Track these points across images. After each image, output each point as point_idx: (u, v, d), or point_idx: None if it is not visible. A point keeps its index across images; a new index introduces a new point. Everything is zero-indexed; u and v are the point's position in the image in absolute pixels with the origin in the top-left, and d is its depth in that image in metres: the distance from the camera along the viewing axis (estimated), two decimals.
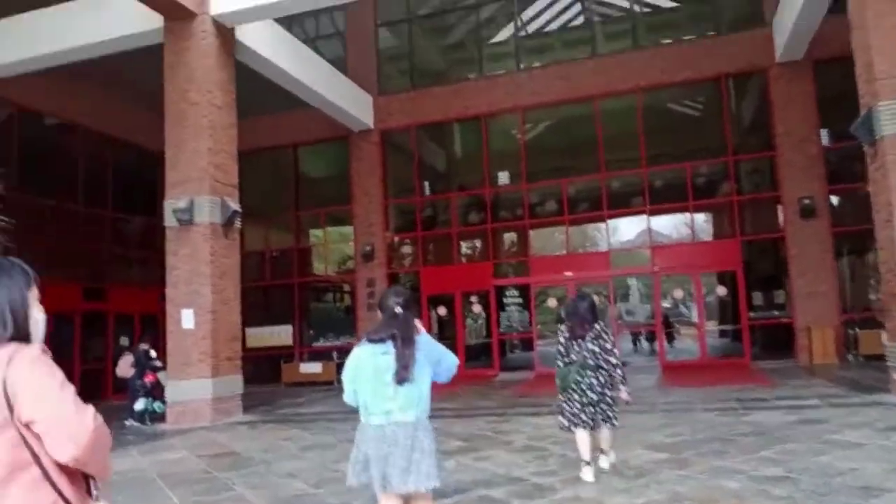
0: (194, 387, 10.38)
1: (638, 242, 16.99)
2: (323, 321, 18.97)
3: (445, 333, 16.83)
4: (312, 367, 16.41)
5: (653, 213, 15.45)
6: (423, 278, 16.88)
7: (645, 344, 18.91)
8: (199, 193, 10.73)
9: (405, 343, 3.13)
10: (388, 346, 3.15)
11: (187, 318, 10.66)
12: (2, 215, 7.75)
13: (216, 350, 10.66)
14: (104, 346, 16.17)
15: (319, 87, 14.23)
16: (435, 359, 3.22)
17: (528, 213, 16.31)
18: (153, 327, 15.20)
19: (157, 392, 10.77)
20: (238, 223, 11.37)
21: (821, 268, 13.88)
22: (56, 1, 11.80)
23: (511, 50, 17.15)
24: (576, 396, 5.20)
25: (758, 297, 15.14)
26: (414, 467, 3.05)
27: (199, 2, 10.79)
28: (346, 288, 18.75)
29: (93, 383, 14.89)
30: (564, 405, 5.29)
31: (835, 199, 14.65)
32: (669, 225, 19.04)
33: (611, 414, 5.23)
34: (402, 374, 3.09)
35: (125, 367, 11.01)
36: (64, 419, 1.43)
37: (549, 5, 17.54)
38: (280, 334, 17.41)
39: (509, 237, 20.56)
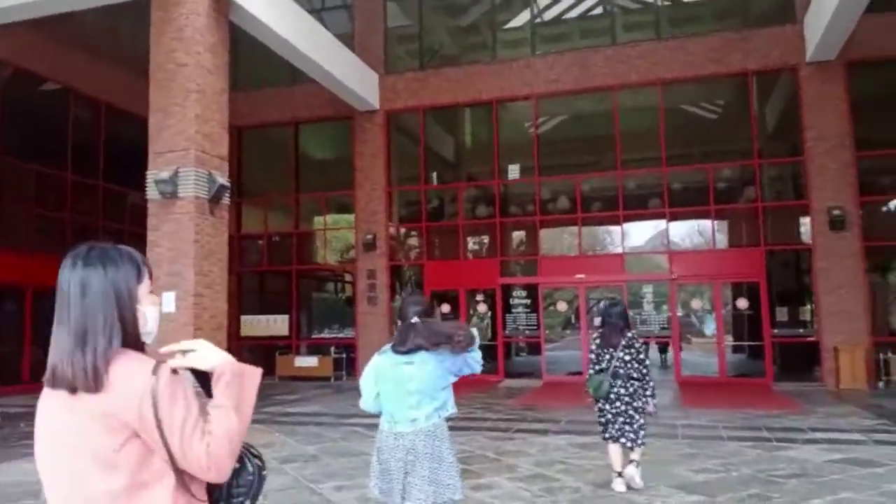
0: None
1: (655, 247, 16.05)
2: (322, 312, 18.13)
3: None
4: (308, 361, 15.56)
5: (672, 216, 14.49)
6: (427, 272, 15.97)
7: (655, 355, 17.90)
8: (184, 164, 9.82)
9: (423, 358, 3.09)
10: (411, 358, 3.10)
11: (168, 302, 9.76)
12: None
13: (199, 338, 9.73)
14: None
15: (323, 60, 13.28)
16: (458, 366, 3.15)
17: (538, 210, 15.36)
18: None
19: None
20: (227, 200, 10.46)
21: (851, 284, 12.91)
22: None
23: (526, 36, 16.18)
24: (608, 406, 5.20)
25: (781, 313, 14.17)
26: (435, 477, 3.01)
27: None
28: (349, 278, 17.87)
29: None
30: (601, 416, 5.30)
31: (867, 212, 13.70)
32: (689, 230, 18.03)
33: (641, 433, 5.16)
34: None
35: None
36: (190, 464, 1.36)
37: None
38: (276, 323, 16.55)
39: (518, 235, 19.61)
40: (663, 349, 15.93)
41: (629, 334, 5.26)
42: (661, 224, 14.89)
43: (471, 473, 5.87)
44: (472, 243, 17.87)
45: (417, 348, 3.09)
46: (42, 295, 13.03)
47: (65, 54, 14.62)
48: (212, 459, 1.36)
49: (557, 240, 19.96)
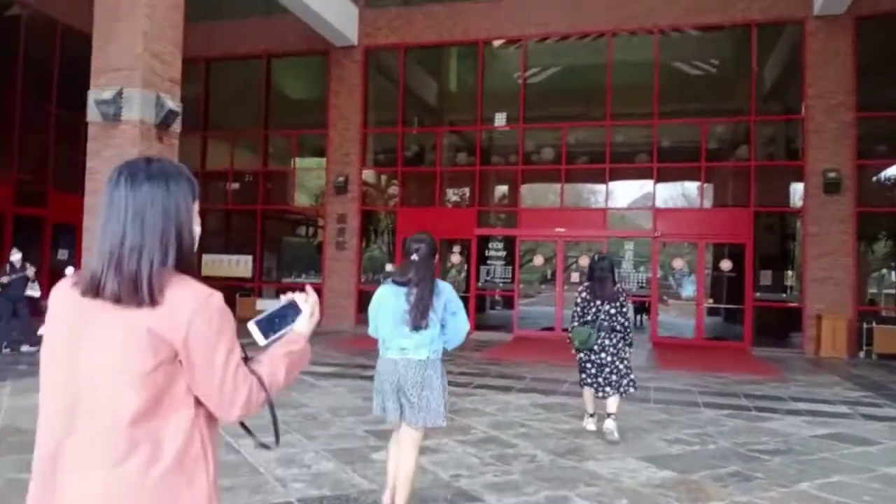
0: None
1: (640, 203, 15.35)
2: (292, 256, 17.36)
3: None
4: (270, 305, 14.79)
5: (659, 172, 13.76)
6: (400, 219, 15.21)
7: (630, 315, 17.31)
8: (129, 85, 8.88)
9: (421, 288, 3.26)
10: (410, 289, 3.28)
11: None
12: None
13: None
14: (40, 258, 14.42)
15: None
16: (452, 310, 3.33)
17: (521, 160, 14.57)
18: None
19: None
20: (177, 127, 9.52)
21: (840, 251, 12.36)
22: None
23: None
24: (593, 357, 5.29)
25: (765, 276, 13.63)
26: (424, 403, 3.24)
27: None
28: (321, 223, 17.06)
29: None
30: (583, 366, 5.38)
31: (863, 177, 13.09)
32: (676, 188, 17.33)
33: (624, 381, 5.26)
34: (417, 321, 3.24)
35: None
36: (218, 400, 1.33)
37: None
38: (240, 265, 15.80)
39: (500, 188, 18.80)
40: (639, 309, 15.37)
41: (616, 288, 5.38)
42: (647, 180, 14.17)
43: None
44: (450, 193, 17.06)
45: (409, 282, 3.29)
46: None
47: None
48: (248, 401, 1.36)
49: (539, 192, 19.21)
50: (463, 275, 15.93)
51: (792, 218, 14.79)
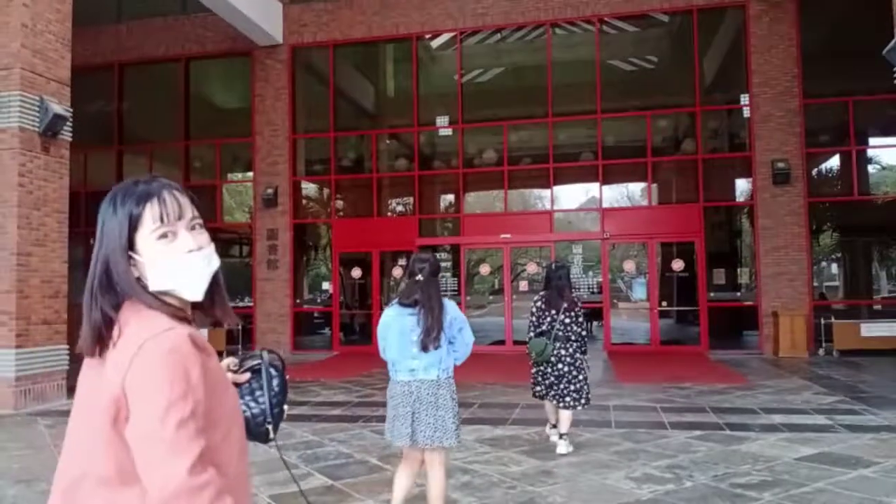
0: None
1: (587, 204, 14.72)
2: (224, 279, 16.04)
3: (363, 300, 14.27)
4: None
5: (605, 170, 13.15)
6: (336, 232, 14.19)
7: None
8: (5, 87, 7.71)
9: (429, 310, 3.29)
10: (415, 310, 3.32)
11: None
12: None
13: (26, 309, 7.77)
14: None
15: None
16: (458, 326, 3.39)
17: (461, 163, 13.77)
18: None
19: None
20: (67, 134, 8.34)
21: (793, 244, 11.96)
22: None
23: None
24: (549, 369, 5.19)
25: (718, 275, 13.13)
26: (440, 423, 3.25)
27: None
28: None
29: None
30: (538, 377, 5.30)
31: (813, 166, 12.78)
32: (622, 186, 16.81)
33: (577, 395, 5.14)
34: (426, 342, 3.26)
35: None
36: (150, 464, 1.08)
37: None
38: None
39: (442, 195, 17.92)
40: (591, 315, 14.67)
41: (572, 297, 5.30)
42: (593, 182, 13.53)
43: (338, 494, 4.28)
44: (391, 202, 16.10)
45: (416, 303, 3.30)
46: None
47: None
48: (187, 483, 1.05)
49: (483, 197, 18.46)
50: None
51: (743, 212, 14.39)
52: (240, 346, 13.19)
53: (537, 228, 13.35)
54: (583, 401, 5.15)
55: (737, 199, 13.81)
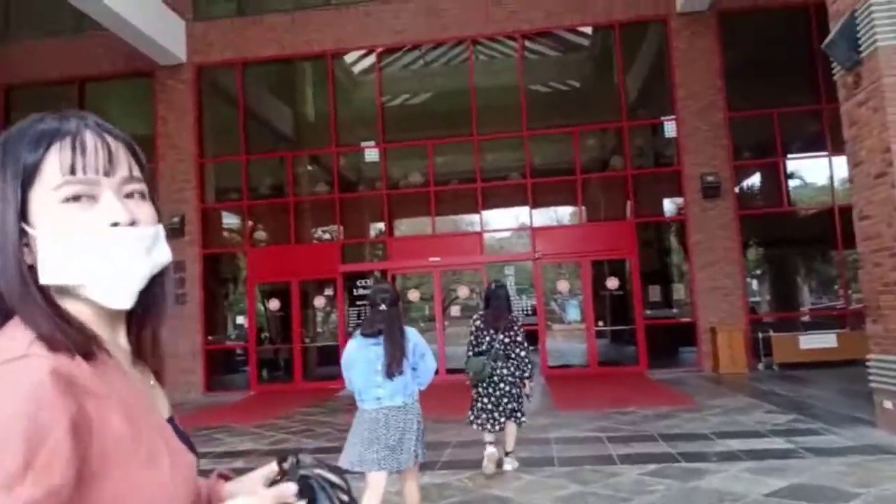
0: None
1: (517, 224, 14.20)
2: None
3: (283, 333, 13.20)
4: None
5: (534, 189, 12.68)
6: (251, 261, 13.15)
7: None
8: None
9: (391, 338, 3.40)
10: (378, 339, 3.42)
11: None
12: None
13: None
14: None
15: (112, 1, 10.20)
16: (420, 352, 3.51)
17: (385, 185, 13.05)
18: None
19: None
20: None
21: (726, 258, 11.73)
22: None
23: None
24: (490, 389, 5.13)
25: (653, 292, 12.77)
26: (406, 446, 3.36)
27: None
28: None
29: None
30: (478, 402, 5.18)
31: (741, 178, 12.67)
32: (552, 205, 16.40)
33: (518, 409, 5.15)
34: (391, 369, 3.37)
35: None
36: None
37: None
38: None
39: (367, 219, 17.09)
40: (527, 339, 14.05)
41: (511, 317, 5.28)
42: (522, 199, 13.02)
43: None
44: (312, 228, 15.14)
45: (379, 332, 3.42)
46: None
47: None
48: None
49: (411, 221, 17.75)
50: (331, 318, 13.98)
51: (674, 227, 14.17)
52: None
53: (468, 251, 12.72)
54: (523, 418, 5.22)
55: (668, 215, 13.55)
